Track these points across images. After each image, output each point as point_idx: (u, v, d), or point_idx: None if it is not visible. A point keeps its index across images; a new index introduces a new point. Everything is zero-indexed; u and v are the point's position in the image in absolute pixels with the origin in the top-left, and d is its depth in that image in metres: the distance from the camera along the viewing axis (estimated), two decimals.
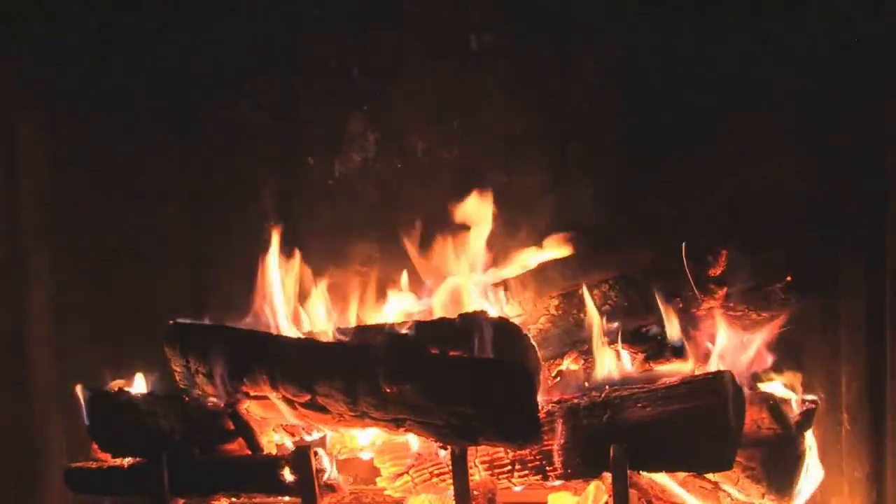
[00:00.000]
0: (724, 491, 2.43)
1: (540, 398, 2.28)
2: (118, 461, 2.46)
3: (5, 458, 2.87)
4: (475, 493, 2.32)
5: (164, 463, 2.35)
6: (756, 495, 2.44)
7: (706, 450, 2.22)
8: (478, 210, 2.78)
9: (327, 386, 2.29)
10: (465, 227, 2.80)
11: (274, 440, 2.55)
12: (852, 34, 2.65)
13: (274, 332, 2.59)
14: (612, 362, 2.50)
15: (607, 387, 2.36)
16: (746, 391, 2.38)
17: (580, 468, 2.30)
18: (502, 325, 2.37)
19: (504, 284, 2.69)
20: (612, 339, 2.53)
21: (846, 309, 2.72)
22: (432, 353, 2.29)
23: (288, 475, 2.30)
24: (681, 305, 2.53)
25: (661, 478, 2.37)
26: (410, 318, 2.65)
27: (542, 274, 2.68)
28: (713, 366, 2.50)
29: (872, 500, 2.69)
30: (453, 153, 2.94)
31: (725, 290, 2.57)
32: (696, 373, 2.43)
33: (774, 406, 2.43)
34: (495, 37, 2.91)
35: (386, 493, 2.51)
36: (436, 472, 2.44)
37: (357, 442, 2.60)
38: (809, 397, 2.56)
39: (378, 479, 2.55)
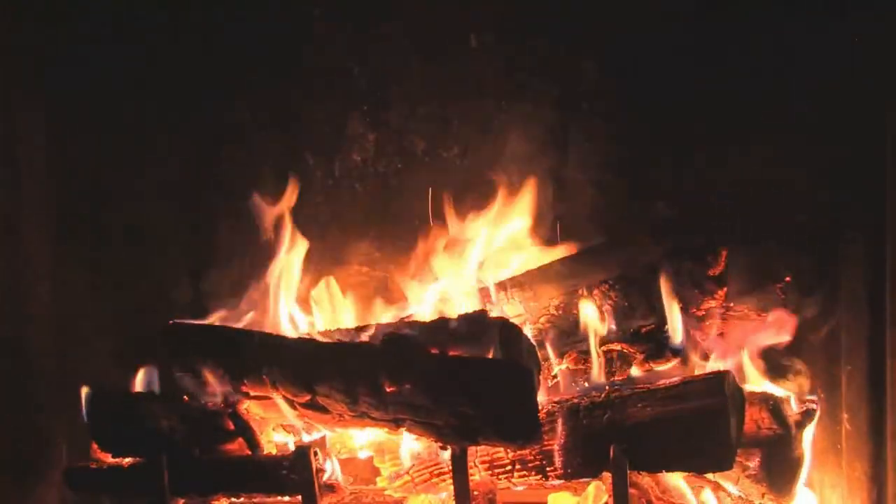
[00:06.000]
0: (724, 490, 2.43)
1: (540, 398, 2.29)
2: (118, 461, 2.46)
3: (5, 458, 2.87)
4: (475, 493, 2.32)
5: (164, 463, 2.35)
6: (756, 495, 2.44)
7: (706, 450, 2.22)
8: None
9: (327, 386, 2.29)
10: (465, 228, 2.81)
11: (274, 440, 2.55)
12: (853, 34, 2.65)
13: (274, 331, 2.59)
14: (612, 362, 2.50)
15: (607, 387, 2.36)
16: (746, 391, 2.38)
17: (580, 468, 2.31)
18: (502, 325, 2.37)
19: (504, 284, 2.69)
20: (612, 338, 2.53)
21: (846, 309, 2.71)
22: (432, 353, 2.29)
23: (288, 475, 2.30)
24: (681, 305, 2.53)
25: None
26: (410, 318, 2.65)
27: (542, 274, 2.68)
28: (713, 366, 2.51)
29: (872, 500, 2.68)
30: (453, 153, 2.94)
31: (725, 290, 2.57)
32: (696, 373, 2.43)
33: (774, 406, 2.44)
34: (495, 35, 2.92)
35: (386, 493, 2.51)
36: (436, 472, 2.45)
37: (357, 442, 2.61)
38: (809, 397, 2.57)
39: (378, 479, 2.55)
